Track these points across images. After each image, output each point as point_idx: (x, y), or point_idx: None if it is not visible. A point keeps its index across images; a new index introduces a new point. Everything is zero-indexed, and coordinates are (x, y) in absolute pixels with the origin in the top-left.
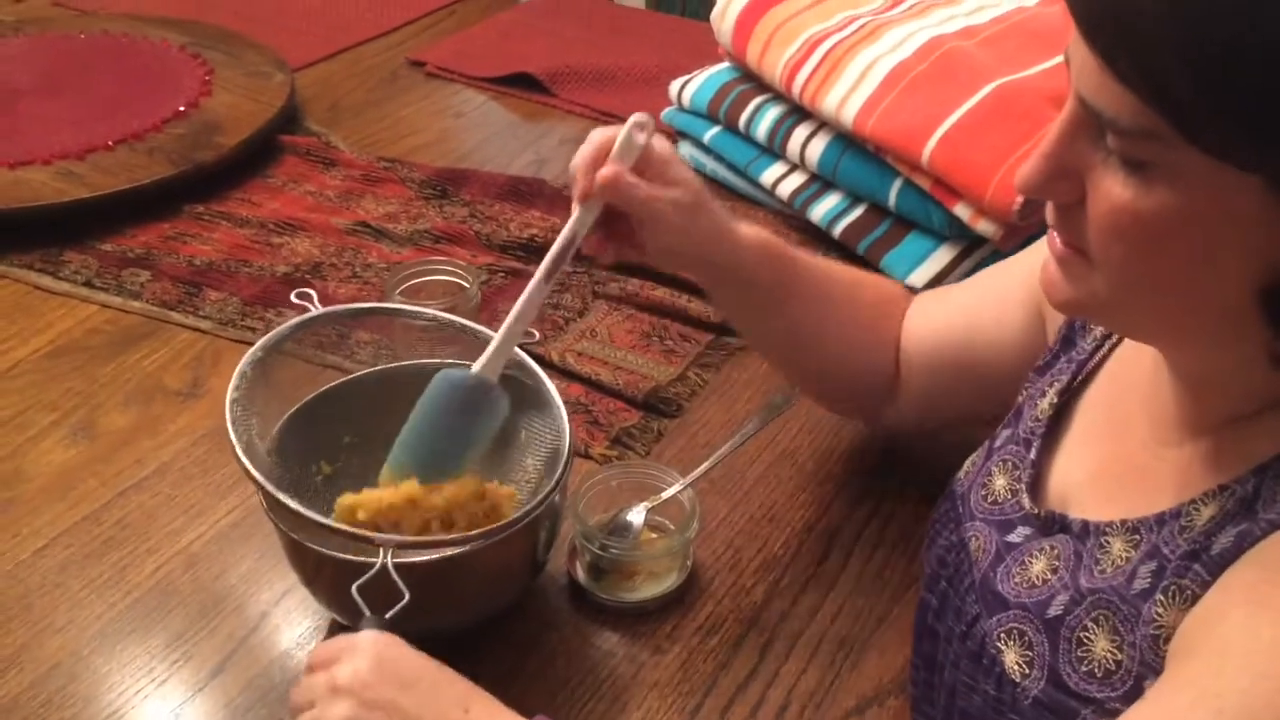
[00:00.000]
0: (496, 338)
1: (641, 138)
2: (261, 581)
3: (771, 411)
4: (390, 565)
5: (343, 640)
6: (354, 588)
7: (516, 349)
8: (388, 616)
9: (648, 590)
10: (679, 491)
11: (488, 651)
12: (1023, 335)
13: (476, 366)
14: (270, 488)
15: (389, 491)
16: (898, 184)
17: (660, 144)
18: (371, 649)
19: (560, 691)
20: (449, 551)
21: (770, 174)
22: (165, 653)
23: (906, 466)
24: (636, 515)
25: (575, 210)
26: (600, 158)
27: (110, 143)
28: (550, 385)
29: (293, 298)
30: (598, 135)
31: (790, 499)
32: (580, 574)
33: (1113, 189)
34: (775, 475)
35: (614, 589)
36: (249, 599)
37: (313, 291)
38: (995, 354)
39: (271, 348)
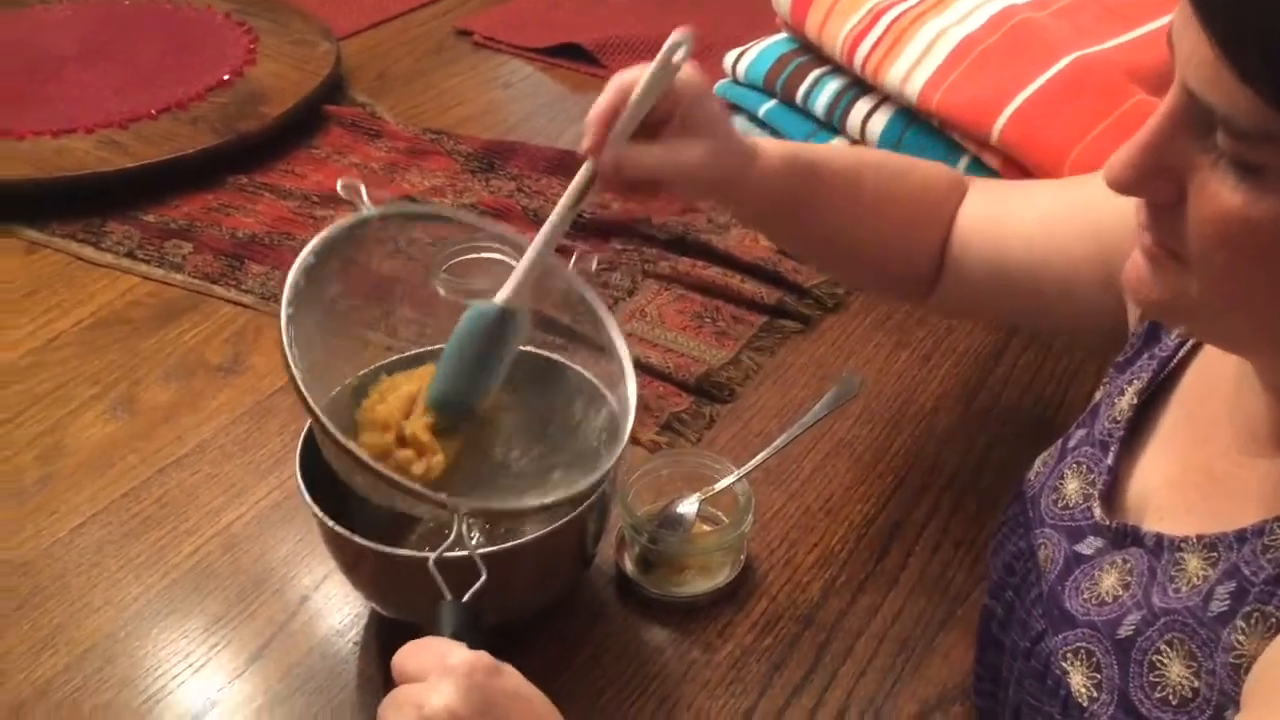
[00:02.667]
0: (520, 265)
1: (680, 54)
2: (301, 565)
3: (833, 401)
4: (466, 533)
5: (434, 654)
6: (431, 562)
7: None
8: (465, 600)
9: (699, 585)
10: (733, 483)
11: (534, 644)
12: (1096, 297)
13: (501, 296)
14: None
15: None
16: (964, 162)
17: (690, 77)
18: (466, 676)
19: (608, 689)
20: (515, 542)
21: (835, 145)
22: (203, 636)
23: (970, 461)
24: (688, 507)
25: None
26: (617, 107)
27: (154, 111)
28: (625, 355)
29: (339, 187)
30: (619, 80)
31: (848, 492)
32: (629, 566)
33: (1220, 193)
34: (832, 466)
35: (663, 583)
36: (289, 583)
37: (360, 184)
38: (1060, 295)
39: (324, 251)
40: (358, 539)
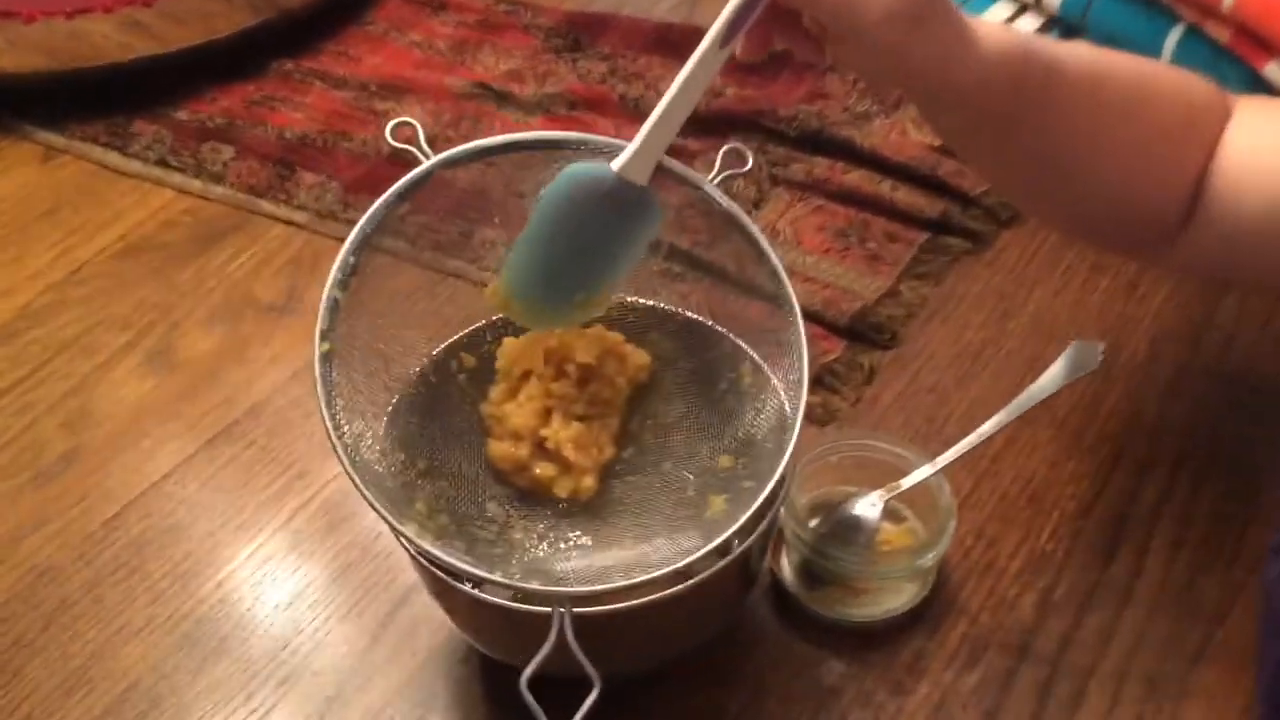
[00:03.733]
0: (647, 124)
1: None
2: (383, 576)
3: (1064, 375)
4: (571, 638)
5: None
6: (523, 682)
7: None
8: None
9: (880, 606)
10: (927, 477)
11: (674, 685)
12: None
13: (618, 163)
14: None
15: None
16: (1177, 33)
17: None
18: None
19: None
20: (654, 596)
21: (994, 13)
22: (270, 668)
23: (1205, 425)
24: (868, 507)
25: None
26: None
27: None
28: (796, 307)
29: (388, 134)
30: None
31: (1053, 470)
32: (787, 574)
33: None
34: (1029, 436)
35: (834, 603)
36: (370, 600)
37: (415, 122)
38: None
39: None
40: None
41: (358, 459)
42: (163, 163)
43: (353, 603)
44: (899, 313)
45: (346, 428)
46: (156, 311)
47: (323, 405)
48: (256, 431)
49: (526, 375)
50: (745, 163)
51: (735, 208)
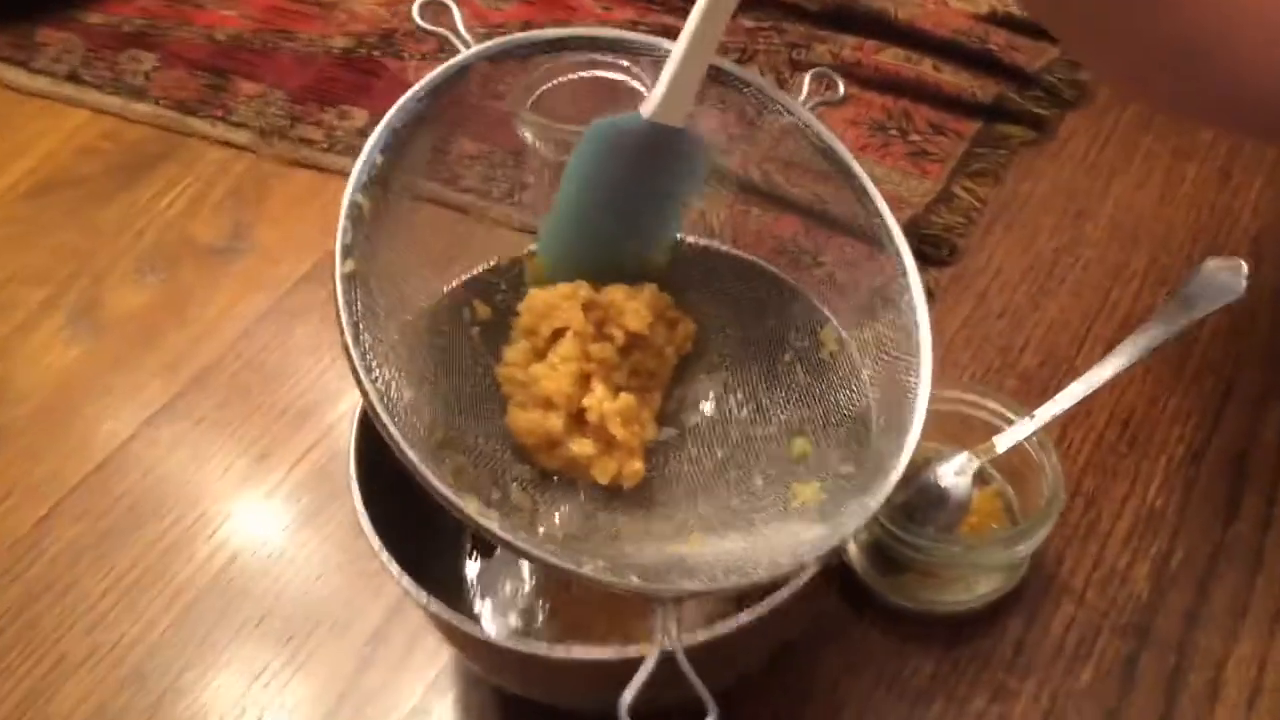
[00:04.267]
0: (674, 58)
1: None
2: (372, 580)
3: (1212, 293)
4: (681, 654)
5: None
6: (624, 710)
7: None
8: None
9: (966, 593)
10: (1029, 436)
11: (737, 699)
12: None
13: (647, 107)
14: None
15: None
16: None
17: None
18: None
19: None
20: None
21: None
22: (240, 706)
23: None
24: (953, 474)
25: None
26: None
27: None
28: (905, 251)
29: (416, 14)
30: None
31: (1153, 408)
32: (855, 557)
33: None
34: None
35: (914, 590)
36: (356, 611)
37: (452, 4)
38: None
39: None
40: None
41: (397, 416)
42: (74, 77)
43: (345, 622)
44: (956, 221)
45: (378, 371)
46: (77, 261)
47: (348, 338)
48: (206, 405)
49: (557, 334)
50: (837, 91)
51: (833, 138)
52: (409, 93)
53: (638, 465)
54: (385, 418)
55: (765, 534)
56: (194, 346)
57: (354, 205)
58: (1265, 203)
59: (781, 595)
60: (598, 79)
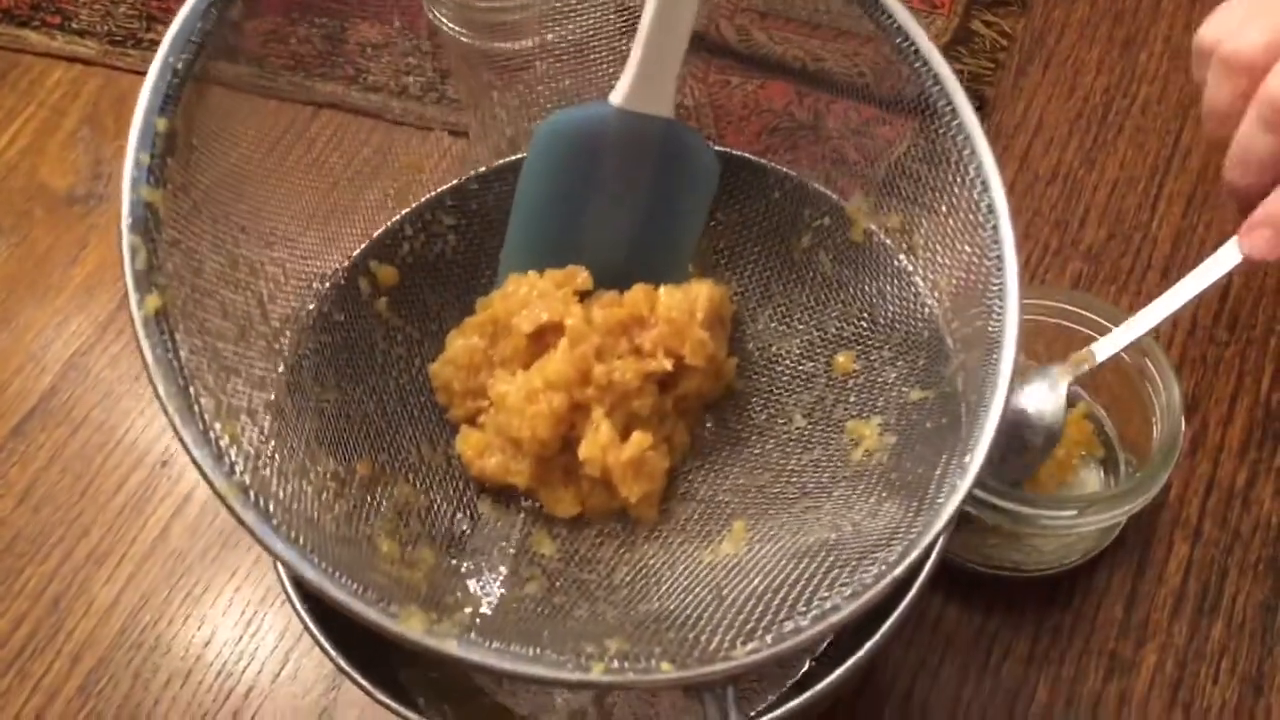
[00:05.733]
0: (644, 24)
1: None
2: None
3: None
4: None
5: None
6: None
7: None
8: None
9: (1065, 552)
10: (1135, 341)
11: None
12: None
13: (618, 94)
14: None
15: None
16: None
17: None
18: None
19: None
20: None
21: None
22: None
23: None
24: (1045, 398)
25: None
26: None
27: None
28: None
29: None
30: None
31: (1250, 273)
32: None
33: None
34: (1215, 238)
35: (1001, 551)
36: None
37: None
38: None
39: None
40: None
41: (258, 493)
42: None
43: (295, 664)
44: (981, 66)
45: (237, 447)
46: None
47: (173, 416)
48: (74, 408)
49: (547, 335)
50: None
51: None
52: None
53: (651, 514)
54: (267, 531)
55: (828, 510)
56: (61, 324)
57: (138, 205)
58: None
59: (874, 643)
60: None
